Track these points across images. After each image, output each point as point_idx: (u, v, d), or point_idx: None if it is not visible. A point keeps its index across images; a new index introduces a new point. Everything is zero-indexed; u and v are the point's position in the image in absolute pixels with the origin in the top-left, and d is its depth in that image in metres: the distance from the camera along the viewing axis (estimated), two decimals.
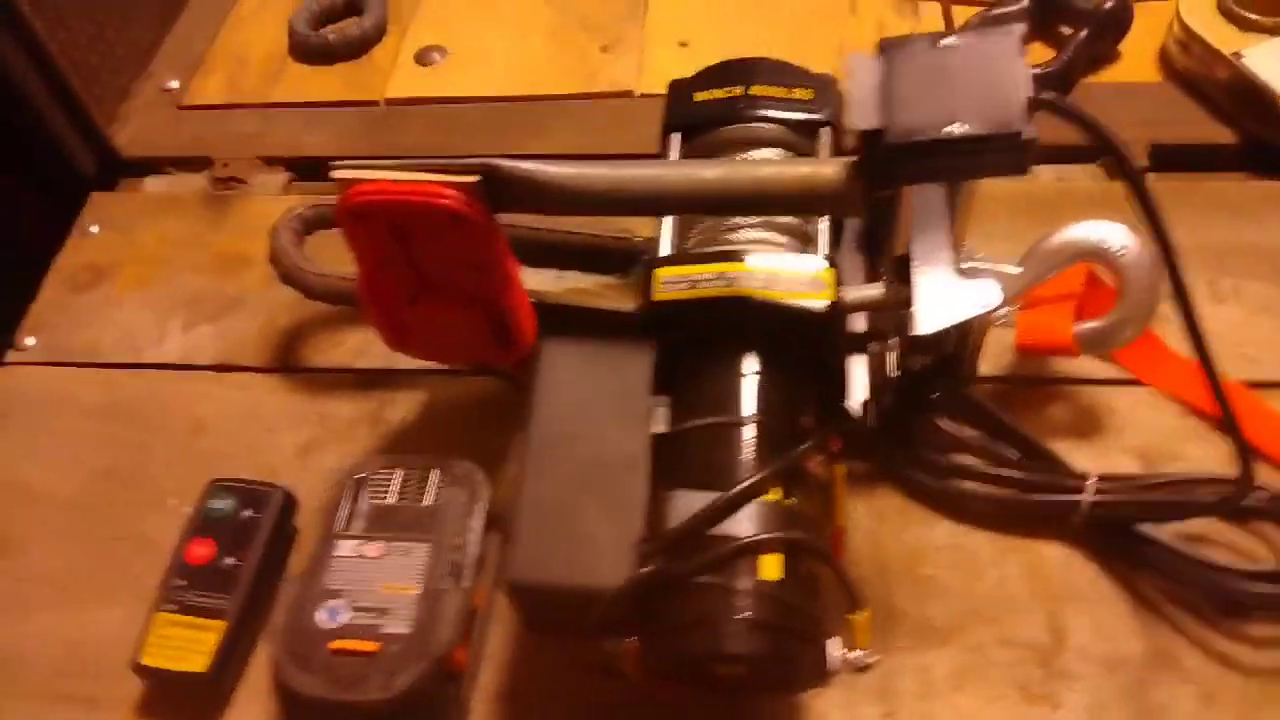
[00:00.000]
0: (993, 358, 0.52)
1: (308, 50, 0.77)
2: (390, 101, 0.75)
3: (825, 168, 0.37)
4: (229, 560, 0.49)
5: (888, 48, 0.37)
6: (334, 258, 0.56)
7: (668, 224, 0.47)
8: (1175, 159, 0.62)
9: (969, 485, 0.48)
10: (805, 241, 0.46)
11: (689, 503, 0.40)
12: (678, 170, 0.39)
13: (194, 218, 0.68)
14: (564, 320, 0.46)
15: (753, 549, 0.39)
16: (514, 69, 0.75)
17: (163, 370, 0.60)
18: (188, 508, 0.54)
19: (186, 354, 0.61)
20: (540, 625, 0.45)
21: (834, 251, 0.45)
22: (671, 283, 0.44)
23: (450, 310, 0.47)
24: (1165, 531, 0.45)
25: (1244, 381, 0.50)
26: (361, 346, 0.59)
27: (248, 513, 0.50)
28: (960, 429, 0.49)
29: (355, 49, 0.77)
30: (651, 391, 0.43)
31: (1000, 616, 0.46)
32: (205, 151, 0.72)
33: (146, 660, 0.46)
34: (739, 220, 0.46)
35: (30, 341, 0.62)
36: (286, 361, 0.60)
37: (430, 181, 0.42)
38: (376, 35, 0.78)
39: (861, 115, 0.35)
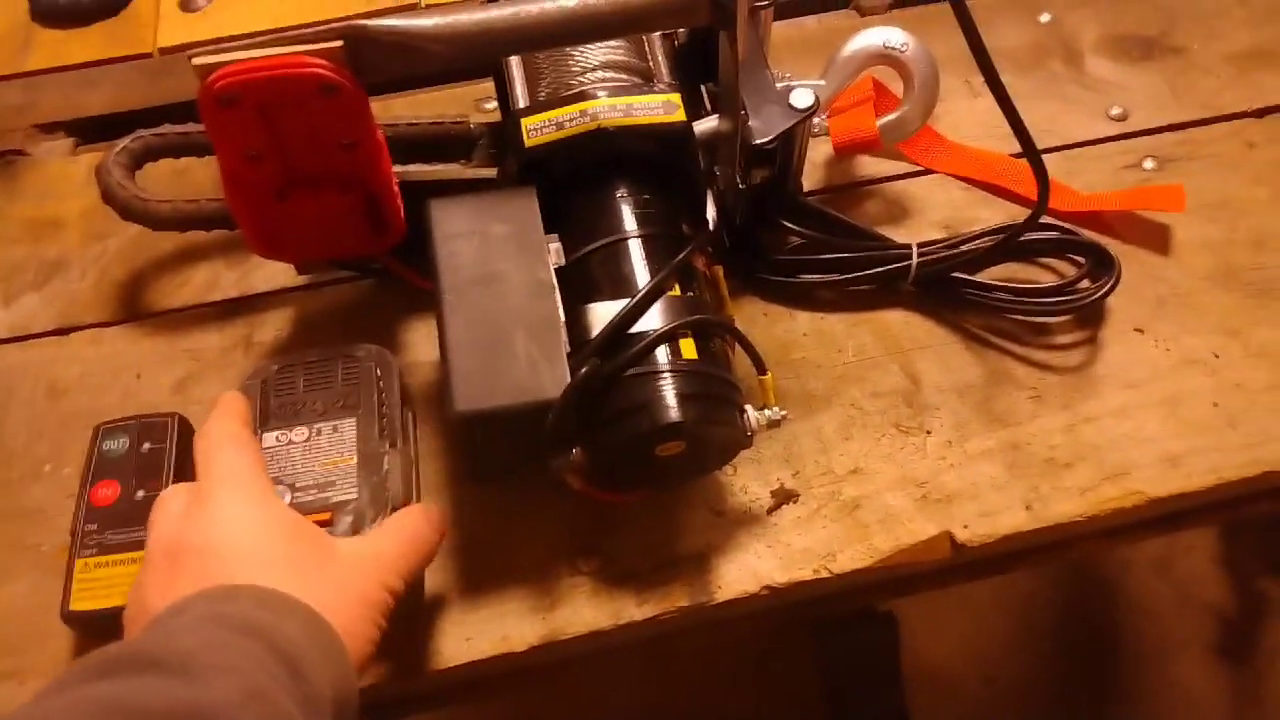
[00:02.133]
0: (807, 177, 0.59)
1: (57, 13, 0.73)
2: (164, 50, 0.72)
3: None
4: (140, 493, 0.48)
5: None
6: (165, 192, 0.55)
7: (518, 79, 0.51)
8: None
9: (818, 276, 0.55)
10: (647, 78, 0.51)
11: (603, 312, 0.44)
12: (540, 5, 0.42)
13: None
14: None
15: (670, 335, 0.44)
16: (288, 2, 0.74)
17: None
18: (69, 468, 0.52)
19: (17, 326, 0.57)
20: (482, 468, 0.48)
21: (675, 81, 0.51)
22: (539, 128, 0.48)
23: (323, 199, 0.48)
24: (978, 277, 0.54)
25: (1009, 154, 0.60)
26: (209, 280, 0.58)
27: (147, 445, 0.49)
28: (801, 231, 0.55)
29: (110, 6, 0.74)
30: (543, 229, 0.46)
31: (865, 375, 0.53)
32: None
33: (77, 606, 0.45)
34: (584, 64, 0.50)
35: None
36: (134, 311, 0.57)
37: (294, 53, 0.43)
38: None
39: None
